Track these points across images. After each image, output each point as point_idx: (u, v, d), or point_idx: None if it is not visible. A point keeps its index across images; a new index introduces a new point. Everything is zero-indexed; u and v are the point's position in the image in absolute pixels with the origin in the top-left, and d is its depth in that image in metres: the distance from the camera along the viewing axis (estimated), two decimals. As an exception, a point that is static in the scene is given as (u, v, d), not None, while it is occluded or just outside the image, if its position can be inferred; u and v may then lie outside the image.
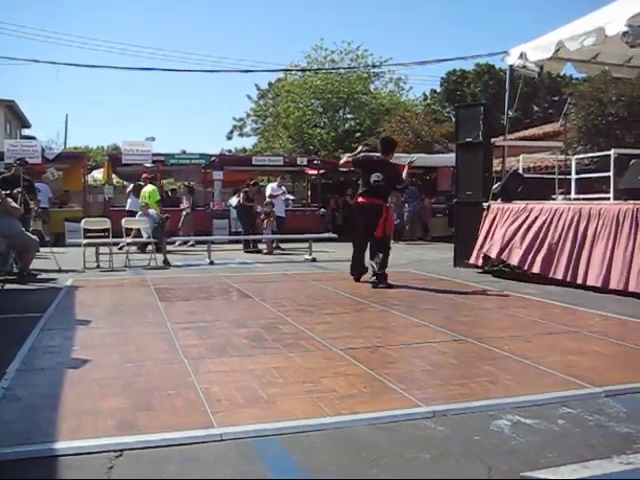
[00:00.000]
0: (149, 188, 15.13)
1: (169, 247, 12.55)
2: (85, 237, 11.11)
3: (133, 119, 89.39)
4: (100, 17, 77.41)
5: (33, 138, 24.37)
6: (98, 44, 77.05)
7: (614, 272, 7.40)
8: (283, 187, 16.78)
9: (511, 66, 10.66)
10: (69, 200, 18.21)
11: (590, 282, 7.67)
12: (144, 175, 16.21)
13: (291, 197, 18.76)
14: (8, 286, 8.26)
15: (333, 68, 32.41)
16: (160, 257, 11.15)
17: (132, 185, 16.63)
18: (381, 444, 2.83)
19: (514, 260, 8.88)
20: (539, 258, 8.48)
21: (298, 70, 32.74)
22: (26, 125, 38.97)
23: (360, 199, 8.44)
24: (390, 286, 8.01)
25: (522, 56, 9.98)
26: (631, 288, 7.13)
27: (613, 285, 7.34)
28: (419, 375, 3.93)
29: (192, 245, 15.56)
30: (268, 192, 15.88)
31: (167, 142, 77.52)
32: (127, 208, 15.30)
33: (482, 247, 9.65)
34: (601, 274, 7.53)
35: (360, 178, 8.59)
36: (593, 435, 2.95)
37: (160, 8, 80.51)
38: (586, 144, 15.32)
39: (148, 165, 18.27)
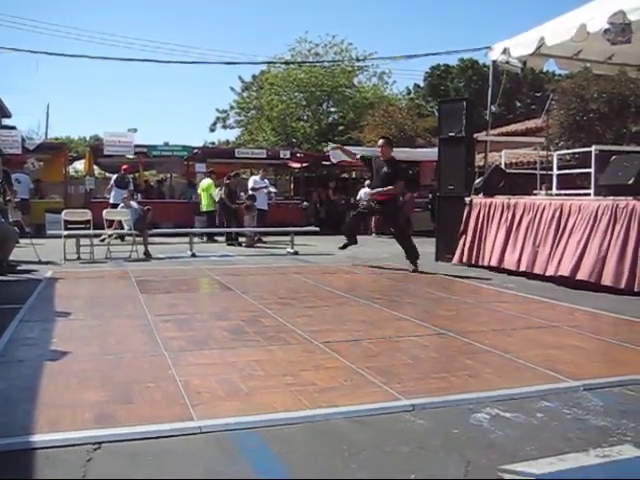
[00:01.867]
0: (207, 182, 15.85)
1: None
2: (66, 229, 11.01)
3: (115, 110, 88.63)
4: (83, 6, 76.62)
5: (13, 128, 23.97)
6: (80, 34, 76.40)
7: (587, 265, 7.47)
8: (266, 180, 16.74)
9: (494, 61, 10.71)
10: (42, 190, 17.86)
11: (562, 272, 7.74)
12: (124, 166, 16.11)
13: (274, 190, 18.68)
14: (-13, 277, 8.19)
15: (317, 61, 32.38)
16: (142, 249, 11.08)
17: (115, 177, 16.47)
18: (360, 437, 2.83)
19: (499, 263, 8.97)
20: (525, 258, 8.53)
21: (282, 63, 32.64)
22: (6, 115, 38.42)
23: None
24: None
25: (505, 52, 10.05)
26: (605, 282, 7.22)
27: (584, 277, 7.43)
28: (399, 369, 3.94)
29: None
30: (250, 185, 15.82)
31: (149, 134, 77.20)
32: (111, 201, 15.14)
33: (465, 245, 9.71)
34: (571, 264, 7.62)
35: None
36: (571, 428, 2.98)
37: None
38: (568, 140, 15.43)
39: (130, 156, 18.14)
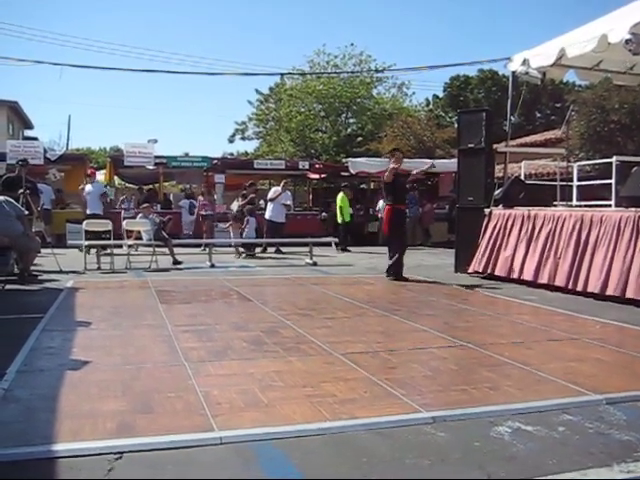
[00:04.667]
0: (340, 195, 16.75)
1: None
2: (86, 239, 11.10)
3: (136, 121, 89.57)
4: (105, 19, 77.57)
5: (35, 139, 24.31)
6: (102, 46, 77.33)
7: (613, 279, 7.38)
8: (288, 191, 16.68)
9: (514, 72, 10.68)
10: (63, 200, 18.01)
11: (590, 289, 7.66)
12: (90, 170, 16.31)
13: (288, 203, 18.19)
14: (9, 287, 8.26)
15: (336, 72, 32.44)
16: (161, 259, 11.14)
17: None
18: (380, 449, 2.83)
19: (520, 274, 8.92)
20: (545, 270, 8.46)
21: (300, 74, 32.75)
22: (29, 126, 38.98)
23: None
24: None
25: (525, 62, 10.01)
26: (629, 295, 7.12)
27: (610, 291, 7.33)
28: (419, 380, 3.93)
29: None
30: (270, 195, 15.84)
31: (169, 144, 78.13)
32: (90, 212, 14.17)
33: (484, 257, 9.66)
34: (600, 280, 7.52)
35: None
36: (593, 443, 2.94)
37: (168, 9, 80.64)
38: (588, 151, 15.31)
39: (150, 167, 18.29)
